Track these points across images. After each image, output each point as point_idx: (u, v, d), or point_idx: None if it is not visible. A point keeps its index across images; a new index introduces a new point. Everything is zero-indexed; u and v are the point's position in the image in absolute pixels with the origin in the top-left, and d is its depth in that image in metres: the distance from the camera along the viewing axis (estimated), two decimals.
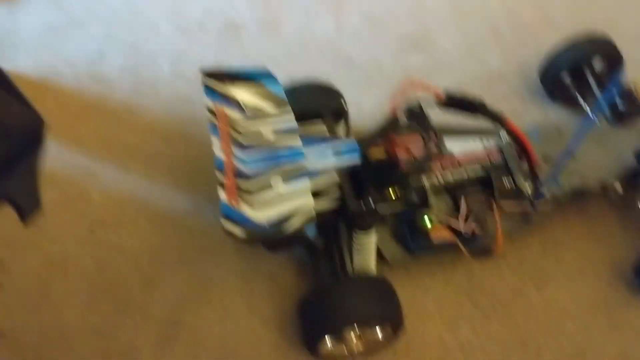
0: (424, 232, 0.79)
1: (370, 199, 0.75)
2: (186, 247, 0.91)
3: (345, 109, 0.89)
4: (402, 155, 0.81)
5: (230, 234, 0.68)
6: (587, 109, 0.96)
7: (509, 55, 1.10)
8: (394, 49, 1.13)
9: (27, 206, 0.24)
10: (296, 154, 0.75)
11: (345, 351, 0.81)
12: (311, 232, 0.70)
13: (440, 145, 0.77)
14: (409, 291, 0.87)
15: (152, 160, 1.01)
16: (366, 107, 1.06)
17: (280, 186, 0.72)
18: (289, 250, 0.88)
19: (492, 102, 0.80)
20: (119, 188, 0.97)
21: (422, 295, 0.88)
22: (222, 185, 0.71)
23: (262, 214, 0.70)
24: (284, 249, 0.85)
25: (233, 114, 0.78)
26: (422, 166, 0.77)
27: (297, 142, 0.77)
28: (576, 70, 0.97)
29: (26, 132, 0.22)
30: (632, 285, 0.88)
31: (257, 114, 0.79)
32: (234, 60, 1.12)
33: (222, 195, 0.70)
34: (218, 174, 0.72)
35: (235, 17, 1.18)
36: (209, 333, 0.85)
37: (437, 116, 0.81)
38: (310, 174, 0.74)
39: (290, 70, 1.09)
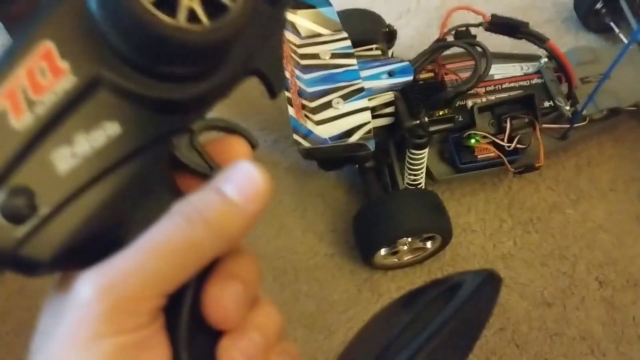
0: (470, 150, 0.84)
1: (423, 116, 0.80)
2: None
3: (395, 32, 0.92)
4: (449, 77, 0.85)
5: (298, 144, 0.74)
6: (622, 36, 1.00)
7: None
8: None
9: (276, 81, 0.26)
10: (353, 74, 0.80)
11: (398, 261, 0.87)
12: (371, 145, 0.76)
13: (485, 69, 0.80)
14: (453, 210, 0.93)
15: None
16: (405, 38, 1.09)
17: (340, 105, 0.77)
18: (341, 168, 0.93)
19: None
20: None
21: (465, 213, 0.94)
22: (289, 101, 0.76)
23: (324, 129, 0.76)
24: (338, 167, 0.90)
25: (292, 37, 0.82)
26: (467, 88, 0.80)
27: (353, 63, 0.81)
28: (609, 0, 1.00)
29: (273, 18, 0.25)
30: None
31: (313, 38, 0.83)
32: None
33: (291, 110, 0.75)
34: (286, 93, 0.76)
35: None
36: (267, 247, 0.91)
37: (483, 41, 0.85)
38: (367, 93, 0.79)
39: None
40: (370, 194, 0.88)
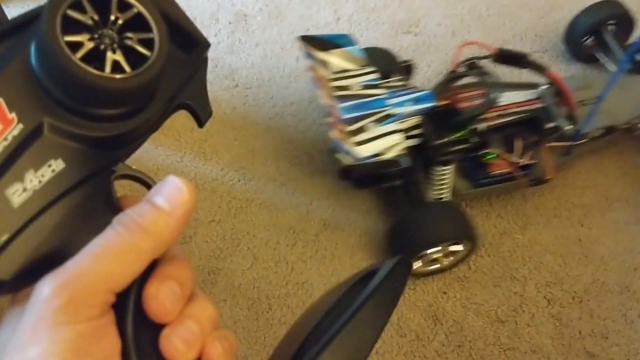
0: (486, 166, 0.96)
1: (447, 136, 0.92)
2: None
3: (412, 66, 1.05)
4: (463, 104, 0.97)
5: (340, 162, 0.86)
6: (607, 66, 1.14)
7: (489, 34, 1.25)
8: (388, 34, 1.27)
9: (202, 112, 0.30)
10: (382, 102, 0.92)
11: (435, 267, 0.96)
12: (405, 162, 0.87)
13: (494, 95, 0.91)
14: None
15: (180, 136, 1.14)
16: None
17: (373, 128, 0.88)
18: (373, 187, 1.02)
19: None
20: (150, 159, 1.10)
21: None
22: (331, 125, 0.88)
23: (361, 150, 0.87)
24: (371, 185, 1.00)
25: (324, 72, 0.95)
26: (482, 111, 0.92)
27: (382, 93, 0.93)
28: (595, 32, 1.14)
29: (198, 56, 0.29)
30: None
31: (343, 72, 0.95)
32: (245, 47, 1.25)
33: (334, 133, 0.87)
34: (327, 119, 0.90)
35: (243, 8, 1.31)
36: (242, 278, 0.98)
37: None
38: (396, 118, 0.91)
39: (296, 54, 1.23)
40: (400, 209, 0.98)
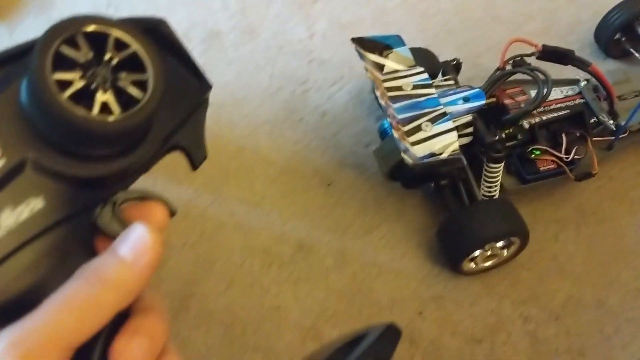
0: (533, 163, 0.96)
1: (500, 133, 0.92)
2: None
3: (461, 64, 1.05)
4: (508, 100, 0.97)
5: (405, 161, 0.84)
6: None
7: (462, 47, 1.25)
8: None
9: (196, 156, 0.30)
10: (434, 101, 0.91)
11: (486, 264, 0.96)
12: (463, 160, 0.87)
13: (547, 91, 0.91)
14: (389, 256, 1.01)
15: None
16: (340, 102, 1.19)
17: (428, 127, 0.88)
18: (422, 186, 1.02)
19: None
20: None
21: (400, 258, 1.02)
22: (391, 126, 0.88)
23: (418, 149, 0.86)
24: (421, 184, 1.01)
25: (376, 73, 0.93)
26: (534, 107, 0.92)
27: (433, 92, 0.92)
28: (627, 28, 1.16)
29: (197, 96, 0.28)
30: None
31: (393, 73, 0.94)
32: (218, 64, 1.24)
33: (395, 133, 0.86)
34: (386, 119, 0.93)
35: (216, 25, 1.30)
36: (216, 303, 0.97)
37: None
38: (450, 117, 0.90)
39: (269, 70, 1.22)
40: (450, 207, 0.98)
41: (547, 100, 0.95)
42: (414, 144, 0.86)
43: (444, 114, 0.90)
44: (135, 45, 0.25)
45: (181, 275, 0.99)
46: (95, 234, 0.28)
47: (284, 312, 0.96)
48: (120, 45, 0.25)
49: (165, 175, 1.08)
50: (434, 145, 0.87)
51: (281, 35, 1.27)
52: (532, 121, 0.97)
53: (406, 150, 0.85)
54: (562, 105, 1.01)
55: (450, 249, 0.95)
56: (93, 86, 0.24)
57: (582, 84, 1.02)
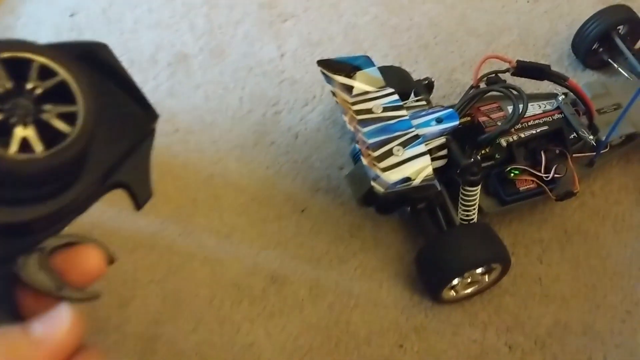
0: (512, 183, 0.93)
1: (475, 155, 0.88)
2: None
3: (433, 84, 1.00)
4: (484, 120, 0.93)
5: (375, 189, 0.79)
6: (621, 70, 1.13)
7: (436, 62, 1.22)
8: None
9: (140, 193, 0.27)
10: (406, 124, 0.87)
11: (467, 292, 0.92)
12: (437, 185, 0.82)
13: (522, 108, 0.87)
14: (366, 286, 0.96)
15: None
16: (313, 123, 1.15)
17: (400, 152, 0.83)
18: (394, 212, 0.98)
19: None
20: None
21: (377, 289, 0.97)
22: (361, 152, 0.83)
23: (389, 175, 0.81)
24: (394, 210, 0.97)
25: (345, 96, 0.89)
26: (510, 126, 0.88)
27: (404, 114, 0.88)
28: (604, 38, 1.13)
29: (141, 128, 0.25)
30: None
31: (362, 95, 0.89)
32: (186, 88, 1.19)
33: (364, 160, 0.81)
34: (356, 144, 0.86)
35: (183, 47, 1.25)
36: (185, 343, 0.92)
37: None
38: (423, 139, 0.85)
39: (239, 93, 1.18)
40: (427, 233, 0.94)
41: (525, 116, 0.92)
42: (384, 169, 0.81)
43: (416, 136, 0.86)
44: (63, 73, 0.22)
45: (147, 314, 0.93)
46: (18, 286, 0.24)
47: (257, 350, 0.91)
48: (45, 73, 0.22)
49: (130, 207, 1.03)
50: (407, 170, 0.82)
51: (251, 56, 1.23)
52: (510, 139, 0.92)
53: (376, 178, 0.80)
54: (541, 121, 0.97)
55: (429, 279, 0.91)
56: (12, 120, 0.21)
57: (560, 98, 0.99)
